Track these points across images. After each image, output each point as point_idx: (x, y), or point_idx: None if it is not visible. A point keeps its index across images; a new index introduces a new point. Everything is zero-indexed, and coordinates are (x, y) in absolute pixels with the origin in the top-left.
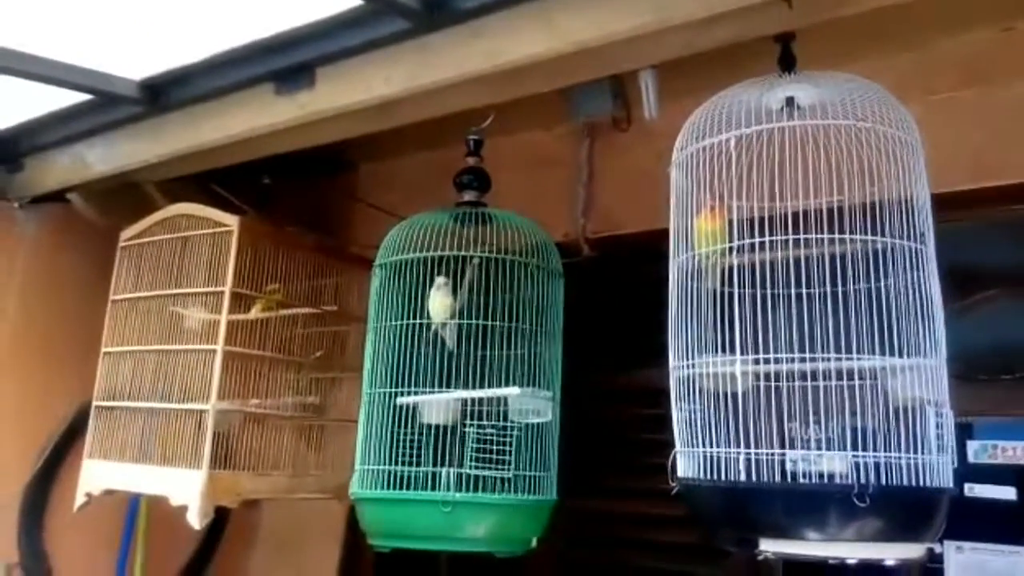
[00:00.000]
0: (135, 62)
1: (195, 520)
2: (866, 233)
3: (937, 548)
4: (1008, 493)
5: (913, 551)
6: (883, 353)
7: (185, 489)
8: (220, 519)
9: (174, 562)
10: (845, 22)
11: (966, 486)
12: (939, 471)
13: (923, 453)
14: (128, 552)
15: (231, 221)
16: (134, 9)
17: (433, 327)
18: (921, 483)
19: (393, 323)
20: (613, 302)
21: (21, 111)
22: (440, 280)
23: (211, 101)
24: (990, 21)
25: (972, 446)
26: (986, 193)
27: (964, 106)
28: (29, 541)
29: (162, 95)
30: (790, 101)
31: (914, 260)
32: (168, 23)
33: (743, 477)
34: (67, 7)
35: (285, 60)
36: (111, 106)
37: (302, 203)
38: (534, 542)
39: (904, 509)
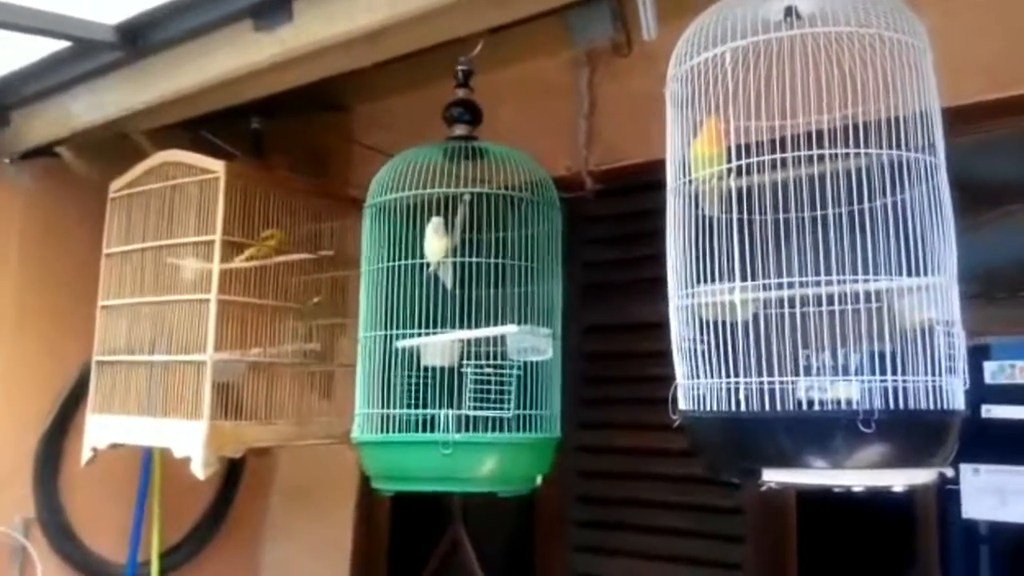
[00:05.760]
0: (110, 6)
1: (199, 470)
2: (870, 147)
3: (949, 472)
4: None
5: (923, 476)
6: (888, 273)
7: (187, 440)
8: (236, 468)
9: (192, 511)
10: None
11: (983, 407)
12: (949, 393)
13: (933, 375)
14: (144, 503)
15: (217, 167)
16: None
17: (430, 267)
18: (930, 406)
19: (387, 264)
20: (620, 234)
21: (2, 63)
22: (435, 220)
23: (190, 42)
24: None
25: (989, 367)
26: (1006, 103)
27: (985, 12)
28: (45, 495)
29: (140, 38)
30: (789, 11)
31: (922, 174)
32: None
33: (743, 407)
34: None
35: None
36: (91, 53)
37: (298, 146)
38: (538, 480)
39: (912, 433)
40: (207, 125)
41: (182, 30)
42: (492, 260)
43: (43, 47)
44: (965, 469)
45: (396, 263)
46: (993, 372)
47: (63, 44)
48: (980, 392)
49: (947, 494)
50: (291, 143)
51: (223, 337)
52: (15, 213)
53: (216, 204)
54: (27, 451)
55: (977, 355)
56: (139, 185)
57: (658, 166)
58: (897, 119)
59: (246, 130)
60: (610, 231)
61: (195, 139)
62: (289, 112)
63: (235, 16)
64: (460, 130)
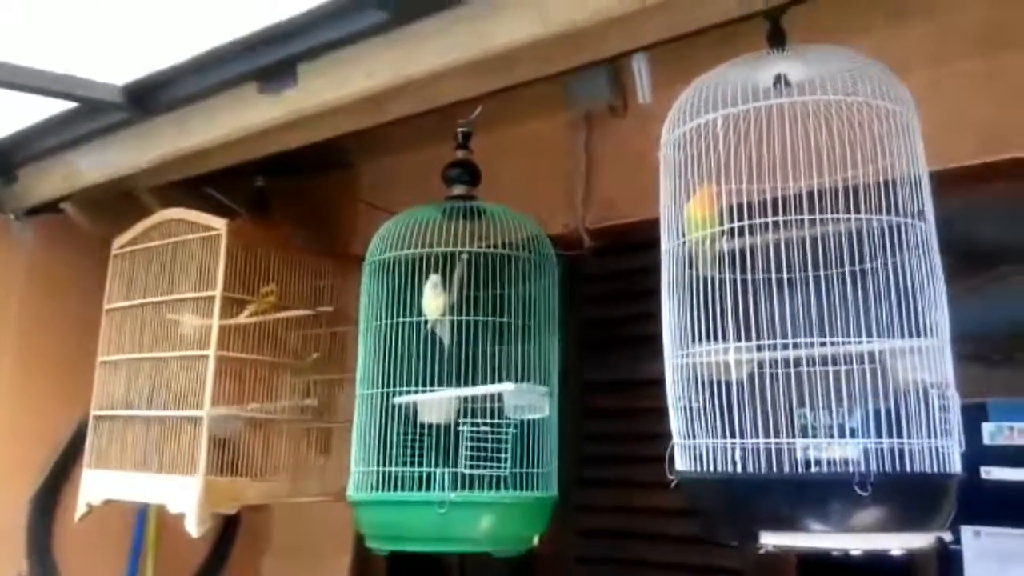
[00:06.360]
0: (117, 67)
1: (192, 528)
2: (858, 212)
3: (946, 536)
4: None
5: (920, 540)
6: (879, 335)
7: (182, 497)
8: (231, 525)
9: (186, 568)
10: None
11: (982, 469)
12: (945, 456)
13: (927, 438)
14: (138, 559)
15: (219, 224)
16: (114, 14)
17: (429, 325)
18: (926, 469)
19: (385, 322)
20: (618, 292)
21: (12, 122)
22: (434, 278)
23: (195, 104)
24: None
25: (987, 428)
26: (997, 167)
27: (974, 77)
28: (38, 550)
29: (146, 99)
30: (779, 78)
31: (913, 238)
32: (147, 26)
33: (740, 468)
34: (47, 16)
35: (265, 58)
36: (98, 113)
37: (303, 204)
38: (535, 540)
39: (908, 497)
40: (212, 182)
41: (187, 92)
42: (490, 318)
43: (51, 107)
44: (966, 531)
45: (394, 320)
46: (991, 433)
47: (71, 104)
48: (979, 454)
49: (949, 557)
50: (297, 200)
51: (220, 393)
52: (18, 267)
53: (217, 261)
54: (21, 506)
55: (975, 416)
56: (142, 242)
57: (654, 225)
58: (887, 184)
59: (251, 188)
60: (608, 288)
61: (200, 196)
62: (295, 170)
63: (240, 79)
64: (459, 190)
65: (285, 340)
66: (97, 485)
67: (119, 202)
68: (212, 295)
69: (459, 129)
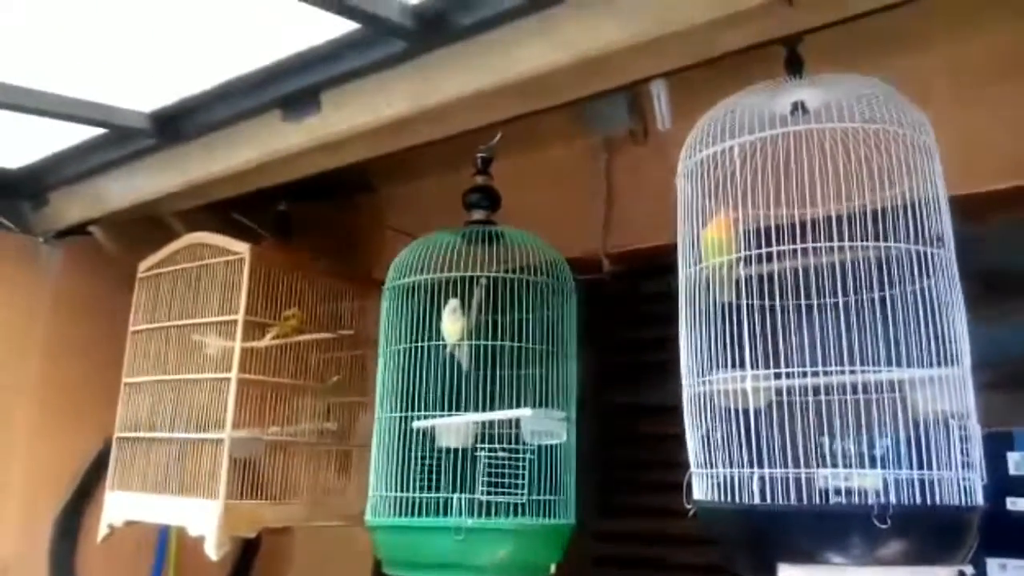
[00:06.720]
0: (145, 95)
1: (211, 551)
2: (875, 239)
3: (968, 570)
4: None
5: (941, 574)
6: (899, 365)
7: (202, 519)
8: (251, 547)
9: None
10: (865, 22)
11: (1008, 499)
12: (966, 488)
13: (948, 470)
14: None
15: (242, 248)
16: (142, 44)
17: (447, 349)
18: (946, 501)
19: (405, 346)
20: (638, 316)
21: (43, 147)
22: (452, 303)
23: (221, 130)
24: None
25: (1013, 457)
26: (1018, 193)
27: (994, 102)
28: (61, 570)
29: (173, 126)
30: (797, 105)
31: (931, 266)
32: (175, 55)
33: (757, 499)
34: (78, 44)
35: (289, 87)
36: (126, 139)
37: (325, 228)
38: (552, 568)
39: (929, 530)
40: (237, 207)
41: (213, 119)
42: (507, 343)
43: (81, 133)
44: (992, 564)
45: (413, 344)
46: (1017, 463)
47: (100, 130)
48: (1005, 484)
49: None
50: (320, 224)
51: (242, 415)
52: (46, 289)
53: (240, 284)
54: (45, 526)
55: (1001, 445)
56: (167, 265)
57: (675, 249)
58: (905, 211)
59: (274, 212)
60: (628, 313)
61: (226, 220)
62: (318, 194)
63: (264, 106)
64: (479, 215)
65: (306, 362)
66: (119, 507)
67: (146, 226)
68: (235, 318)
69: (479, 155)
